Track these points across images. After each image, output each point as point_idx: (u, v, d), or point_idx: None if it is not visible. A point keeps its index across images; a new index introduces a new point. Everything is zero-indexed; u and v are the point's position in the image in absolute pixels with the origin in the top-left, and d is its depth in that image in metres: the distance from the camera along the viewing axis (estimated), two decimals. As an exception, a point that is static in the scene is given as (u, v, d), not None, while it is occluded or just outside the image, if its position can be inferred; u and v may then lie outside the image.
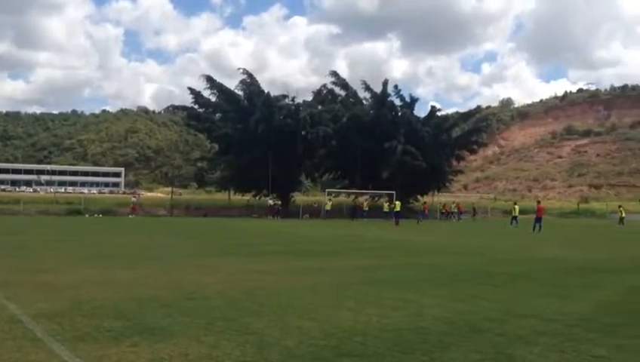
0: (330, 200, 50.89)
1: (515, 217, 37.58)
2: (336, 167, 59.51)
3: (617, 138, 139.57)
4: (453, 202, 56.98)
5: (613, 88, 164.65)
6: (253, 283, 10.28)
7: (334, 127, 52.74)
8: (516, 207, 39.06)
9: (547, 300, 9.08)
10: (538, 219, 31.63)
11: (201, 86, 54.85)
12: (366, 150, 52.53)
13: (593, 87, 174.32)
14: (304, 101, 57.60)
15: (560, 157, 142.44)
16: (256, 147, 50.13)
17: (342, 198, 59.20)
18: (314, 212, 51.34)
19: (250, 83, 55.10)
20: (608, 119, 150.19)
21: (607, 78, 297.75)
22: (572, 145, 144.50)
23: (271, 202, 50.44)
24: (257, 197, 55.88)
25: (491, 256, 17.25)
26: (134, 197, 46.85)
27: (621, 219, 44.87)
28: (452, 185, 68.05)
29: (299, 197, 60.46)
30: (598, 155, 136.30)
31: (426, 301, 8.69)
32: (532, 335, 6.50)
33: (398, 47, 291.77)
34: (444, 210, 54.60)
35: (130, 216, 42.97)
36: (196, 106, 55.71)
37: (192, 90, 54.65)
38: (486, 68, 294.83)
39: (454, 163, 62.47)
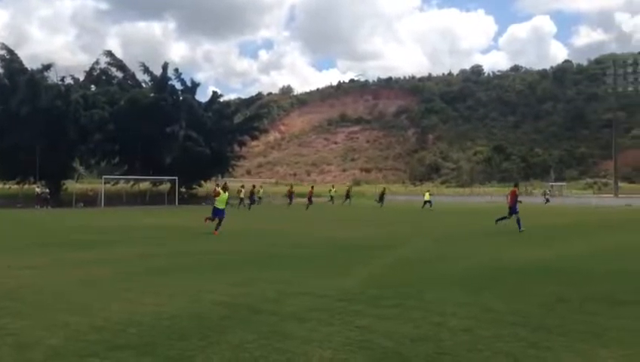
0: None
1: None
2: (115, 153, 56.46)
3: (384, 126, 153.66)
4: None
5: (380, 80, 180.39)
6: (15, 281, 9.29)
7: (111, 110, 49.92)
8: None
9: (320, 278, 9.66)
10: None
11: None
12: (146, 135, 50.63)
13: (363, 79, 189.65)
14: (75, 81, 53.45)
15: (335, 143, 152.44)
16: (20, 130, 45.21)
17: (121, 185, 56.56)
18: (89, 200, 48.16)
19: (10, 59, 49.43)
20: (376, 108, 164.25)
21: (373, 70, 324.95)
22: (345, 132, 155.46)
23: (39, 190, 45.99)
24: (23, 186, 50.73)
25: (273, 239, 17.81)
26: None
27: (381, 198, 47.76)
28: (235, 170, 68.80)
29: (72, 185, 56.15)
30: (367, 141, 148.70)
31: (204, 286, 8.66)
32: (305, 312, 6.84)
33: (174, 28, 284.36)
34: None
35: None
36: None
37: None
38: (263, 55, 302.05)
39: (237, 148, 63.31)
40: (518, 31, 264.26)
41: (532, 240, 16.98)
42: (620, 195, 69.58)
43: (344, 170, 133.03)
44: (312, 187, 46.45)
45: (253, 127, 63.42)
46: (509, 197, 20.39)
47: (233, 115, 61.89)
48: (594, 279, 9.62)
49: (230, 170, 62.89)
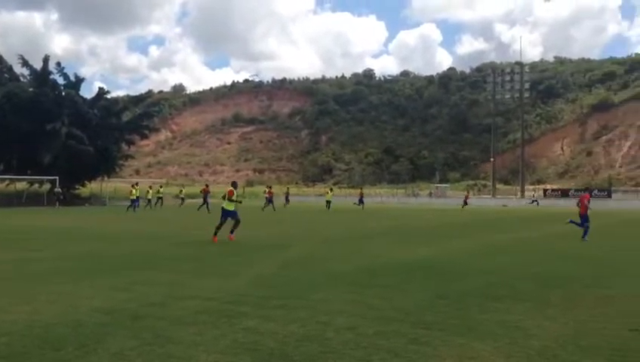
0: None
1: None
2: (-12, 150, 52.45)
3: (278, 126, 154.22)
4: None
5: (274, 81, 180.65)
6: None
7: (-16, 104, 46.37)
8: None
9: (209, 280, 9.50)
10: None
11: None
12: (24, 132, 47.50)
13: (257, 79, 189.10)
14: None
15: (229, 143, 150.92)
16: None
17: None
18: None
19: None
20: (270, 109, 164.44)
21: (267, 71, 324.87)
22: (239, 132, 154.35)
23: None
24: None
25: (163, 241, 17.27)
26: None
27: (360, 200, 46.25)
28: (123, 170, 66.20)
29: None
30: (261, 142, 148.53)
31: (83, 292, 8.24)
32: (191, 316, 6.70)
33: (57, 19, 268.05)
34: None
35: None
36: None
37: None
38: (154, 51, 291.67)
39: (125, 147, 61.04)
40: (407, 37, 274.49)
41: (415, 239, 17.73)
42: (497, 196, 74.44)
43: (238, 171, 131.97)
44: (270, 187, 43.62)
45: (143, 125, 61.40)
46: (582, 203, 17.97)
47: (121, 113, 59.65)
48: (470, 276, 10.17)
49: (117, 169, 60.46)
